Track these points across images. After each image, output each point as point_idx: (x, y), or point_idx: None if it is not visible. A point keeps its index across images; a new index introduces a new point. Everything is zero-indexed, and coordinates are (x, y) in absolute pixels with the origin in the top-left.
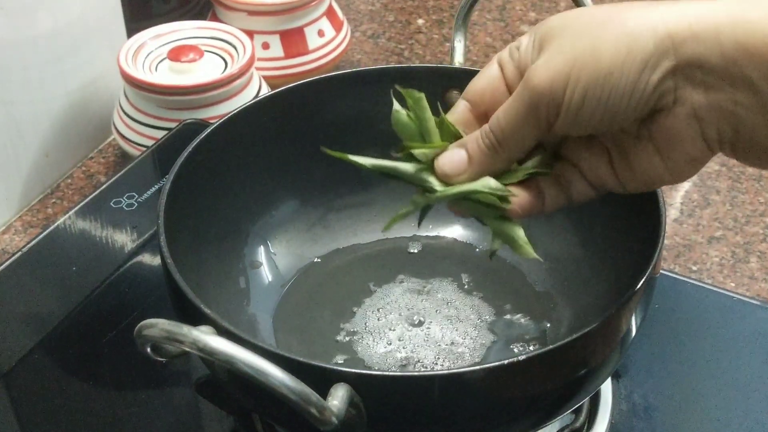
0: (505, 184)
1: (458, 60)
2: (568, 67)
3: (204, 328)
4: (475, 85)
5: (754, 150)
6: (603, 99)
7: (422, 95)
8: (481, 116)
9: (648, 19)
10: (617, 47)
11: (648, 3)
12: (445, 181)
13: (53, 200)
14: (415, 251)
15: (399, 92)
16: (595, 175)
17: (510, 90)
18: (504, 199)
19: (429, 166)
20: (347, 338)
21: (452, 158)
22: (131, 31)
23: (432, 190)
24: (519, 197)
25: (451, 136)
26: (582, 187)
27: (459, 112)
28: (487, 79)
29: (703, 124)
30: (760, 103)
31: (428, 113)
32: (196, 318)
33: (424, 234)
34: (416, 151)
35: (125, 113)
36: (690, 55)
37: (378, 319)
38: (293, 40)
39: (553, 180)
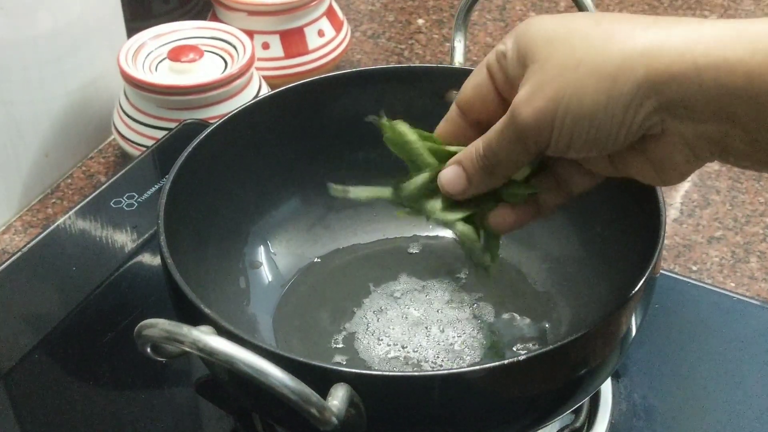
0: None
1: (458, 60)
2: (552, 108)
3: (204, 328)
4: (465, 93)
5: (746, 159)
6: (590, 136)
7: (399, 123)
8: (473, 123)
9: (628, 56)
10: (598, 90)
11: (630, 26)
12: (451, 198)
13: (53, 200)
14: (415, 251)
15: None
16: (595, 167)
17: (501, 96)
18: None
19: (423, 193)
20: (347, 338)
21: (452, 179)
22: (131, 31)
23: (428, 215)
24: (510, 218)
25: (444, 152)
26: (581, 178)
27: (451, 119)
28: (476, 87)
29: (693, 148)
30: (746, 134)
31: (411, 137)
32: (196, 318)
33: (424, 234)
34: (408, 190)
35: (125, 113)
36: (672, 95)
37: (378, 320)
38: (293, 40)
39: (551, 182)
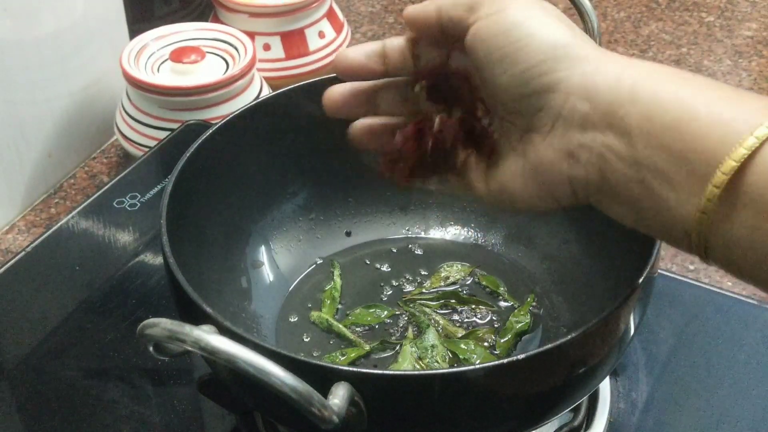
0: None
1: None
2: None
3: (206, 327)
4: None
5: (616, 201)
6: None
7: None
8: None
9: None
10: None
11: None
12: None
13: (56, 200)
14: (418, 252)
15: None
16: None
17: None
18: None
19: None
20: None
21: None
22: (133, 32)
23: None
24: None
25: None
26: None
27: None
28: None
29: (572, 162)
30: (630, 154)
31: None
32: (198, 317)
33: (426, 235)
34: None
35: (128, 114)
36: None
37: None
38: (294, 42)
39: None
